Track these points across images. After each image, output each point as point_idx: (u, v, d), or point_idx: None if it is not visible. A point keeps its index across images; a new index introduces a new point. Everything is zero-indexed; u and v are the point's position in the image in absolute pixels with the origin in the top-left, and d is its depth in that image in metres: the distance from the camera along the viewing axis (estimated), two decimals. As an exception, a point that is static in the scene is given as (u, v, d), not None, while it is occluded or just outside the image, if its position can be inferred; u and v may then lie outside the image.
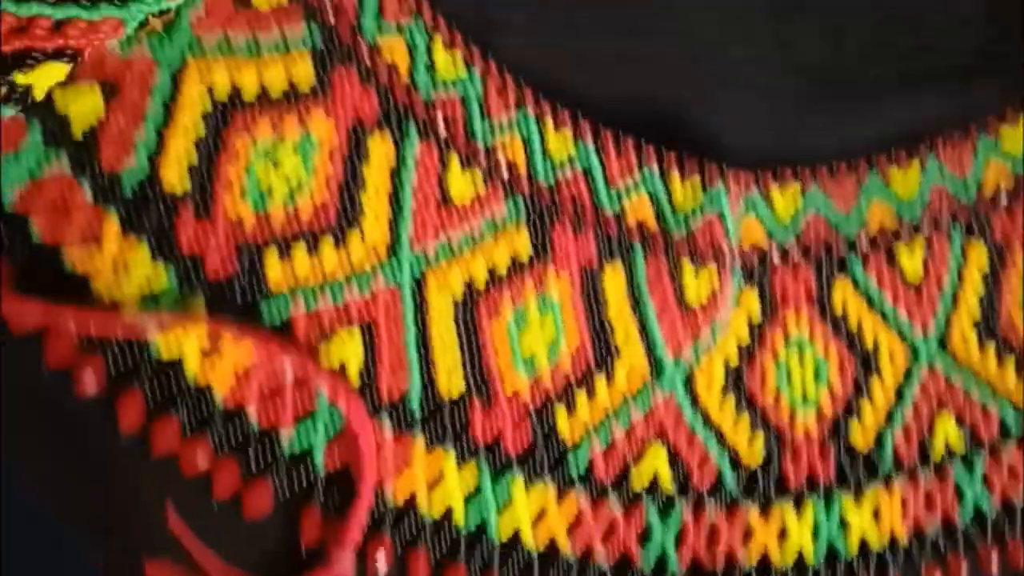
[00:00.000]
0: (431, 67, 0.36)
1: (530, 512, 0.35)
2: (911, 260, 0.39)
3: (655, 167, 0.37)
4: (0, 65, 0.30)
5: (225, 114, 0.34)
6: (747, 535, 0.37)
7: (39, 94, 0.32)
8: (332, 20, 0.35)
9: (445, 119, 0.36)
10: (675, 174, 0.37)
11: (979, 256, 0.39)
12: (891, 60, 0.39)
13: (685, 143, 0.38)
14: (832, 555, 0.37)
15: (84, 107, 0.33)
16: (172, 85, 0.34)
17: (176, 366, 0.33)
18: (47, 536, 0.34)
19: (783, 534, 0.37)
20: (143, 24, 0.33)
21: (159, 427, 0.33)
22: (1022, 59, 0.39)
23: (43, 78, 0.31)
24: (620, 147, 0.37)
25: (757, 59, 0.38)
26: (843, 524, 0.37)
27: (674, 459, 0.37)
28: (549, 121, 0.37)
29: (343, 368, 0.34)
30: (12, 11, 0.30)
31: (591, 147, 0.37)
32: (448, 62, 0.36)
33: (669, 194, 0.37)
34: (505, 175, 0.37)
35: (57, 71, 0.31)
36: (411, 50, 0.36)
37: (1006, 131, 0.39)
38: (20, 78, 0.31)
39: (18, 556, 0.36)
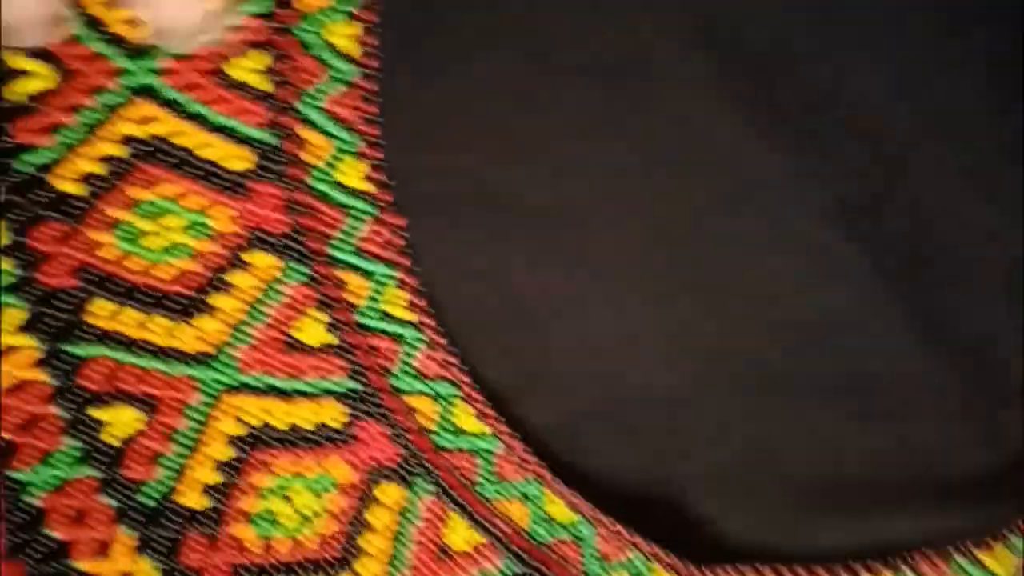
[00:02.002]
0: (455, 426, 0.39)
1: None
2: None
3: (642, 554, 0.39)
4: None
5: (252, 443, 0.36)
6: None
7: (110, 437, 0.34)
8: (370, 375, 0.38)
9: (460, 476, 0.38)
10: (657, 567, 0.39)
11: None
12: (888, 478, 0.41)
13: (678, 526, 0.40)
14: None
15: (124, 419, 0.35)
16: (208, 409, 0.36)
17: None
18: None
19: None
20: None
21: None
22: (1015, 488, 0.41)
23: (118, 419, 0.34)
24: (613, 529, 0.39)
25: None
26: None
27: None
28: (553, 493, 0.39)
29: None
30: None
31: (588, 521, 0.39)
32: (471, 422, 0.39)
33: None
34: (505, 532, 0.38)
35: (130, 416, 0.34)
36: (438, 407, 0.38)
37: (984, 556, 0.41)
38: (96, 412, 0.33)
39: None
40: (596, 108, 0.39)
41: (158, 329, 0.35)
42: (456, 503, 0.38)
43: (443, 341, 0.39)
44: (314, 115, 0.37)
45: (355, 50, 0.37)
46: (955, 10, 0.40)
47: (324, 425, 0.37)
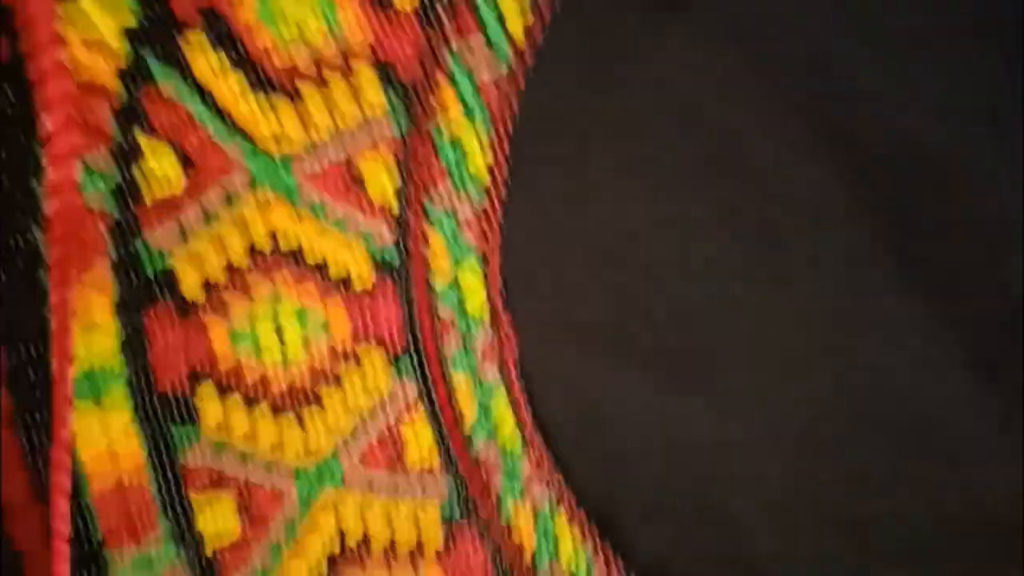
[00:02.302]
0: (553, 547, 0.37)
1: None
2: None
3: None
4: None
5: (348, 556, 0.35)
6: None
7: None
8: (472, 489, 0.37)
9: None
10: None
11: None
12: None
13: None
14: None
15: (221, 525, 0.34)
16: (304, 513, 0.35)
17: None
18: None
19: None
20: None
21: None
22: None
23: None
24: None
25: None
26: None
27: None
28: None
29: None
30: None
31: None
32: (568, 538, 0.37)
33: None
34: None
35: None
36: (536, 520, 0.37)
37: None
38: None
39: None
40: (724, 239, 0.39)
41: (266, 432, 0.34)
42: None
43: (549, 458, 0.37)
44: (441, 225, 0.36)
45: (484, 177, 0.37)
46: None
47: (421, 540, 0.36)
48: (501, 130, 0.36)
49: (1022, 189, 0.39)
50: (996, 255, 0.40)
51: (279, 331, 0.35)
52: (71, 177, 0.31)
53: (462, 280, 0.37)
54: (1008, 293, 0.40)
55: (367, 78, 0.35)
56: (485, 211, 0.37)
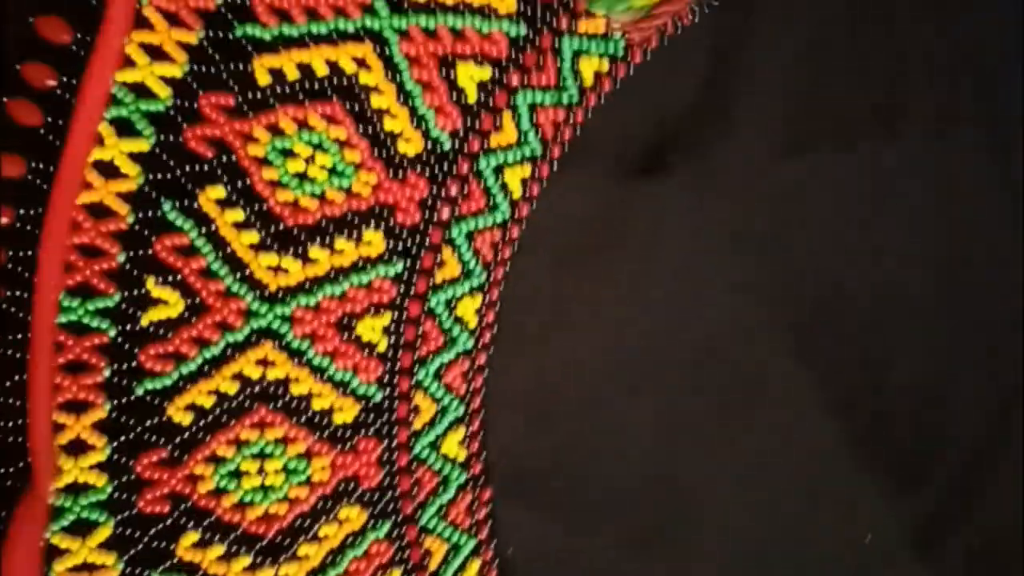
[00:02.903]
0: None
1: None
2: None
3: None
4: None
5: None
6: None
7: None
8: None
9: None
10: None
11: None
12: None
13: None
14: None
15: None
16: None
17: None
18: None
19: None
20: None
21: None
22: None
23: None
24: None
25: None
26: None
27: None
28: None
29: None
30: None
31: None
32: None
33: None
34: None
35: None
36: None
37: None
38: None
39: None
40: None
41: (239, 570, 0.35)
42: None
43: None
44: (427, 380, 0.37)
45: (474, 321, 0.38)
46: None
47: None
48: (494, 291, 0.38)
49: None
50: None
51: (261, 470, 0.35)
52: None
53: (443, 440, 0.38)
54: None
55: (371, 231, 0.36)
56: (472, 363, 0.38)
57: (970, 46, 0.41)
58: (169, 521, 0.34)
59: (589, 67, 0.37)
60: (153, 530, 0.34)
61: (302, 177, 0.35)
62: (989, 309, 0.42)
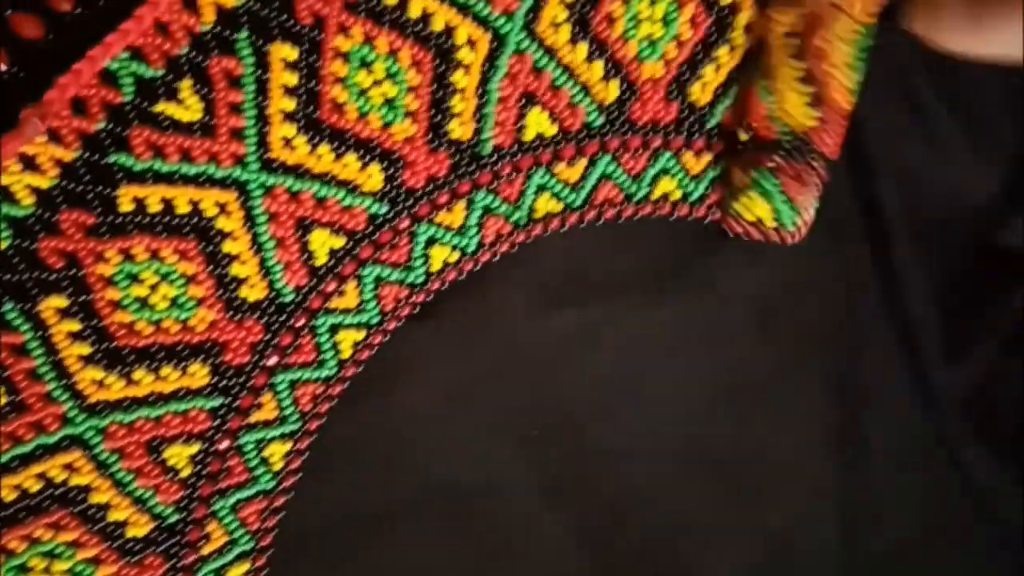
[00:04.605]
0: None
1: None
2: None
3: None
4: None
5: None
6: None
7: None
8: None
9: None
10: None
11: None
12: None
13: None
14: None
15: None
16: None
17: None
18: None
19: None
20: None
21: None
22: None
23: None
24: None
25: None
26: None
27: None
28: None
29: None
30: None
31: None
32: None
33: None
34: None
35: None
36: None
37: None
38: None
39: None
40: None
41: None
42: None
43: None
44: (223, 512, 0.39)
45: (279, 464, 0.40)
46: None
47: None
48: (305, 440, 0.40)
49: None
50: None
51: (48, 569, 0.37)
52: None
53: (228, 570, 0.40)
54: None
55: (197, 364, 0.38)
56: (269, 503, 0.40)
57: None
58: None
59: (440, 255, 0.40)
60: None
61: (143, 303, 0.37)
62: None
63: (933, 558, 0.46)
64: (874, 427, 0.45)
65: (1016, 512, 0.45)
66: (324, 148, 0.37)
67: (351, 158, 0.38)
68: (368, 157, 0.38)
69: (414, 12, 0.37)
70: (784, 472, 0.45)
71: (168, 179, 0.36)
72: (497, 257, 0.41)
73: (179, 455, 0.38)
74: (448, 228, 0.40)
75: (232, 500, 0.39)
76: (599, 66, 0.39)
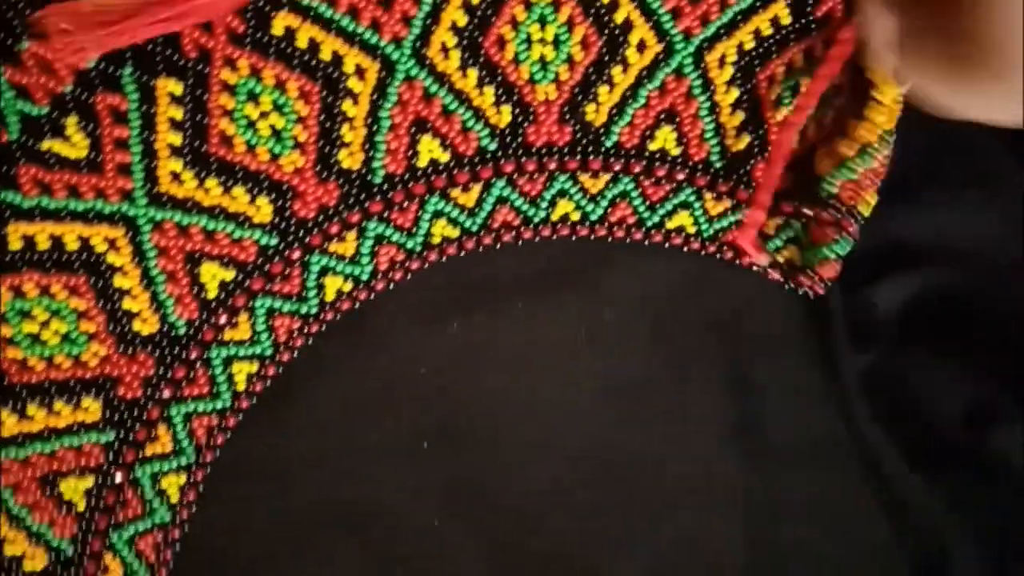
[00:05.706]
0: None
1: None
2: None
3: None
4: None
5: None
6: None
7: None
8: None
9: None
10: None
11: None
12: None
13: None
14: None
15: None
16: None
17: None
18: None
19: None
20: None
21: None
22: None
23: None
24: None
25: None
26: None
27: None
28: None
29: None
30: None
31: None
32: None
33: None
34: None
35: None
36: None
37: None
38: None
39: None
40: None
41: None
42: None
43: None
44: (120, 544, 0.39)
45: (176, 496, 0.40)
46: None
47: None
48: (200, 472, 0.40)
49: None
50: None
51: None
52: None
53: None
54: None
55: (90, 399, 0.38)
56: (166, 536, 0.40)
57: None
58: None
59: (333, 284, 0.40)
60: None
61: (34, 339, 0.37)
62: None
63: (839, 552, 0.46)
64: (774, 423, 0.45)
65: (922, 501, 0.46)
66: (212, 181, 0.38)
67: (240, 191, 0.38)
68: (257, 189, 0.38)
69: (301, 42, 0.37)
70: (685, 472, 0.45)
71: (56, 216, 0.37)
72: (392, 286, 0.41)
73: (74, 489, 0.38)
74: (341, 257, 0.40)
75: (129, 533, 0.39)
76: (491, 91, 0.39)
